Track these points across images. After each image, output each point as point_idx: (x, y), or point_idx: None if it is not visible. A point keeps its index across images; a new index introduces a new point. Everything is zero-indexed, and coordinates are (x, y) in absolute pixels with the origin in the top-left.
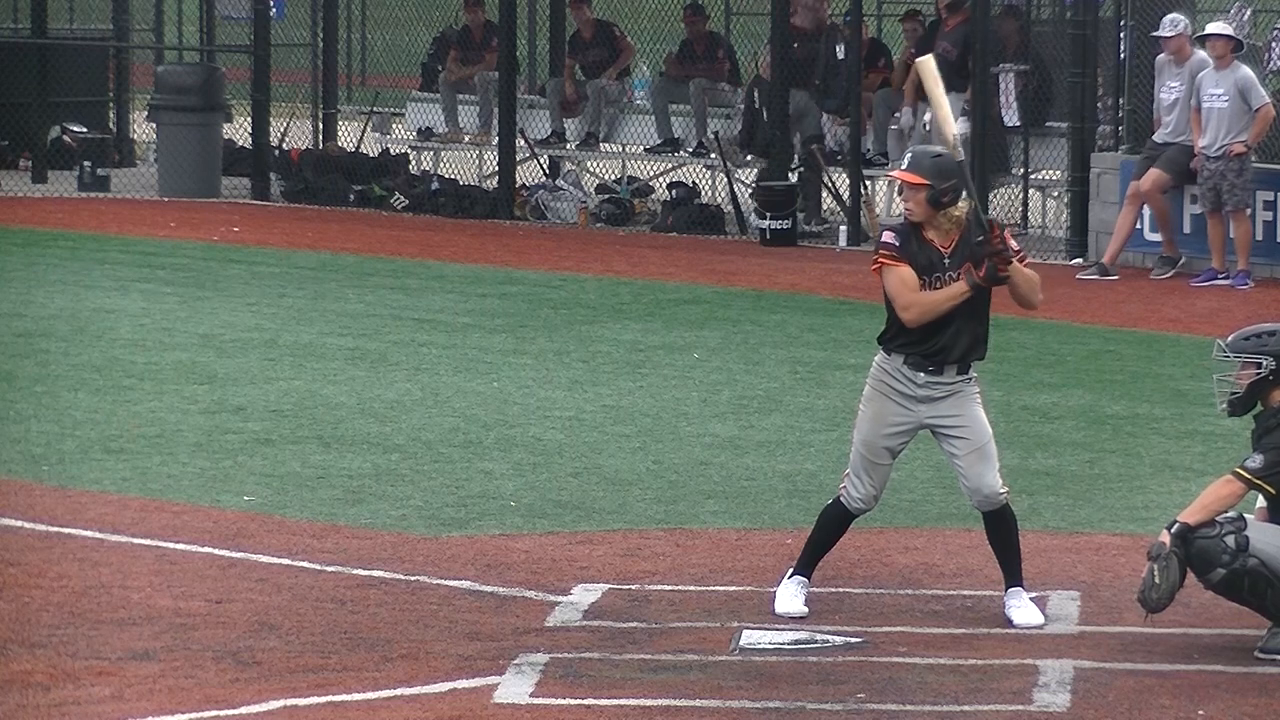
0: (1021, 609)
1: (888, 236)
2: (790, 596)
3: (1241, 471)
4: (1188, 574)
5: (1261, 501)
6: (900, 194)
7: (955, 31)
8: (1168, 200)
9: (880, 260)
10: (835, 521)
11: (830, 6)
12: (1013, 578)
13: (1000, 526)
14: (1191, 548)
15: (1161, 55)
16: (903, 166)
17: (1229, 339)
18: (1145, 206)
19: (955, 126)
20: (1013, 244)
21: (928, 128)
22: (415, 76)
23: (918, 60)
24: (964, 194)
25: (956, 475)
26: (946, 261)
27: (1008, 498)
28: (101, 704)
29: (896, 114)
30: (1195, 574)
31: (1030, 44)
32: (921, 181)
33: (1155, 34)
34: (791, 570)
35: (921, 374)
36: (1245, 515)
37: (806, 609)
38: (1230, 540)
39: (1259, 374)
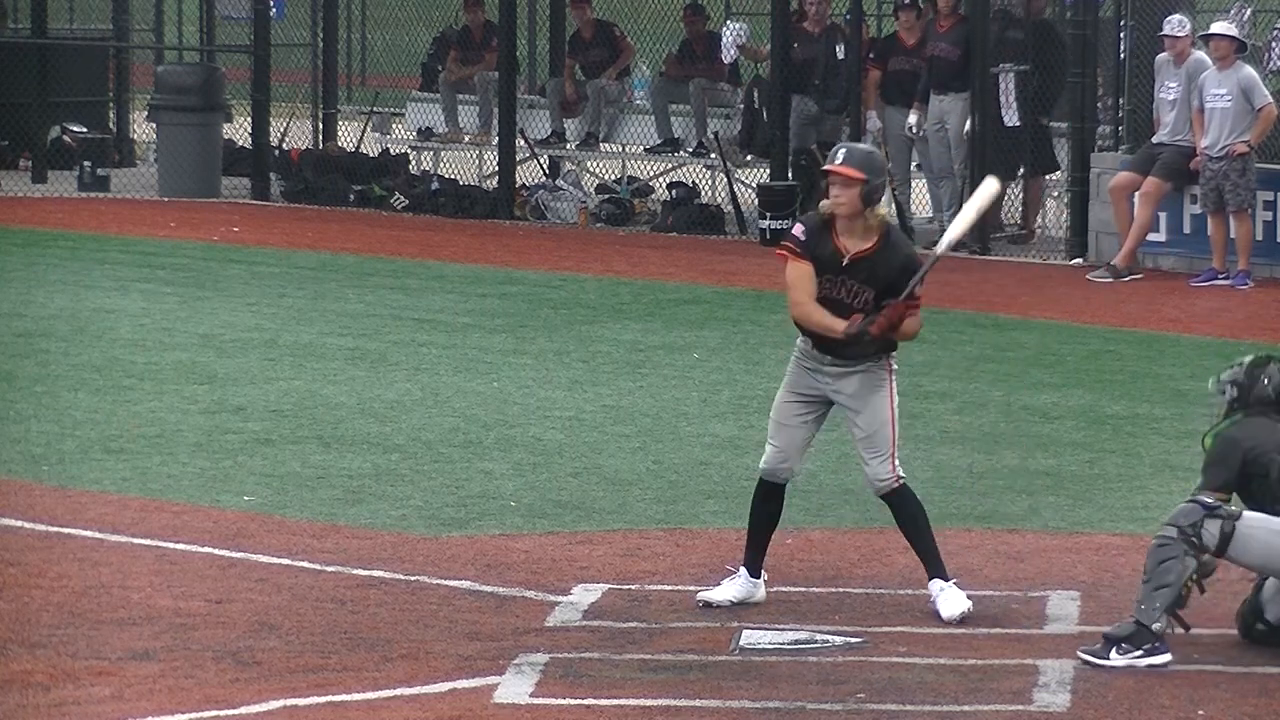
0: (943, 599)
1: (797, 230)
2: (730, 584)
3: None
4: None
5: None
6: (830, 188)
7: (953, 32)
8: (1155, 210)
9: (783, 252)
10: (757, 494)
11: (831, 6)
12: (931, 569)
13: (901, 512)
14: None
15: (1161, 55)
16: (836, 161)
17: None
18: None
19: (956, 235)
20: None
21: (913, 130)
22: (415, 76)
23: (987, 184)
24: (885, 197)
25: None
26: (845, 264)
27: (896, 484)
28: (101, 704)
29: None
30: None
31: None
32: (858, 176)
33: (1163, 34)
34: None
35: (828, 355)
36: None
37: (734, 598)
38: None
39: (1224, 401)
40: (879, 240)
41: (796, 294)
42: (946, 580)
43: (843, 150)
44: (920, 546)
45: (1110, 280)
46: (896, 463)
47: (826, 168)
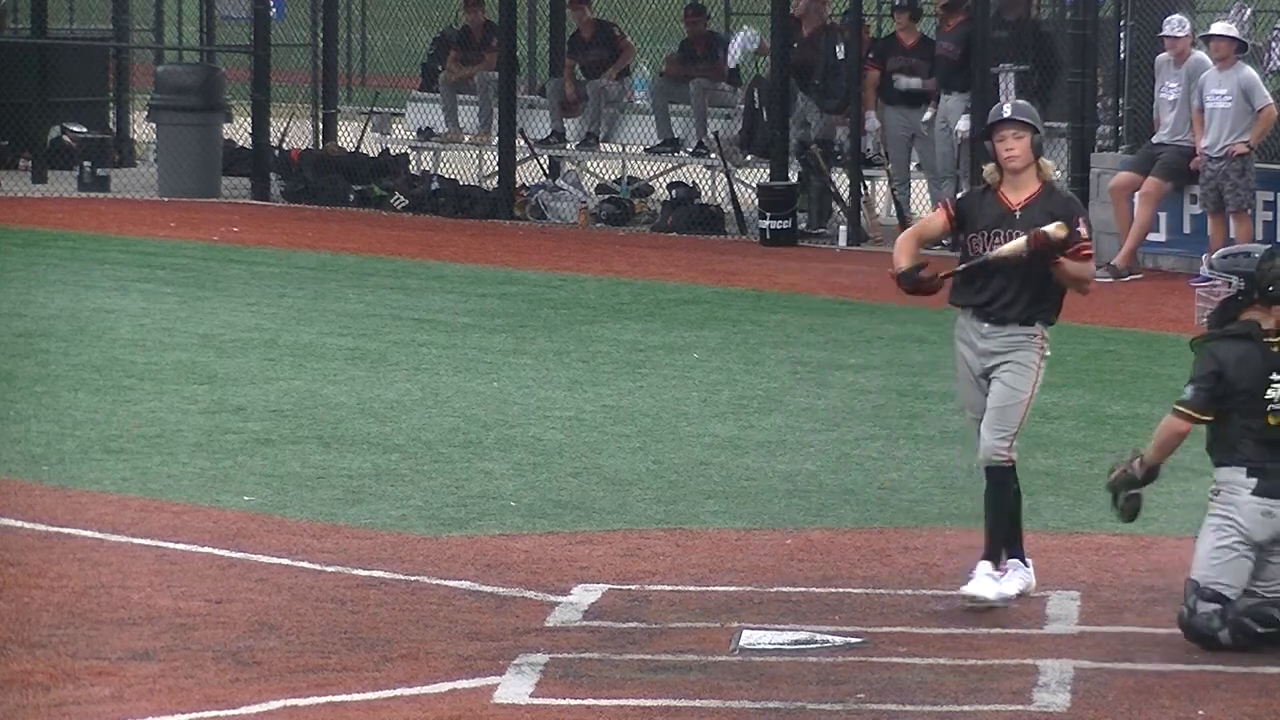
0: (980, 580)
1: (961, 193)
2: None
3: (1180, 408)
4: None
5: None
6: (999, 145)
7: (955, 31)
8: (1155, 210)
9: (941, 204)
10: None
11: (830, 6)
12: (990, 551)
13: (998, 491)
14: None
15: (1161, 55)
16: (1006, 114)
17: (1214, 255)
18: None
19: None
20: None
21: (926, 128)
22: (415, 76)
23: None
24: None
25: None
26: (1018, 215)
27: (1007, 464)
28: (101, 704)
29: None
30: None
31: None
32: (1031, 124)
33: (1163, 34)
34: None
35: (985, 324)
36: None
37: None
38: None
39: (1229, 292)
40: (1041, 185)
41: (908, 234)
42: (995, 571)
43: (1009, 105)
44: (994, 528)
45: (1110, 280)
46: (1015, 443)
47: (1001, 118)
